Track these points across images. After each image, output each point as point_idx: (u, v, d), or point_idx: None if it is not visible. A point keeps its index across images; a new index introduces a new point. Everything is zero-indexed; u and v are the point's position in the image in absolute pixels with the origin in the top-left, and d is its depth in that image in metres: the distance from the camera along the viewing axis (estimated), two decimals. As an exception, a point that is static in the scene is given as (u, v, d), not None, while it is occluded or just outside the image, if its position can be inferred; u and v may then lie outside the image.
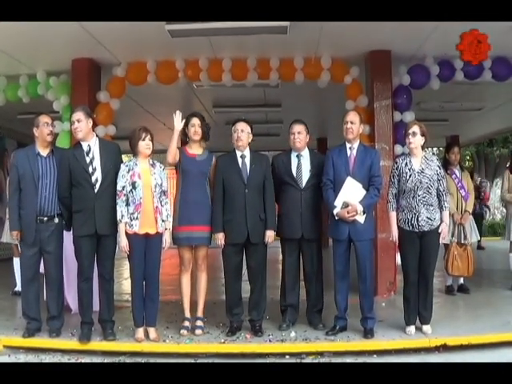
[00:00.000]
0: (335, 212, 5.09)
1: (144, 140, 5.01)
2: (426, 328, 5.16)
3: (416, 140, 5.10)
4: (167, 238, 5.09)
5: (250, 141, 5.31)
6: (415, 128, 5.12)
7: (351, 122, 5.18)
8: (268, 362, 4.71)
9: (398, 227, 5.20)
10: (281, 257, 5.60)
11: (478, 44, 6.38)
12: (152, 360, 4.76)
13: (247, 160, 5.26)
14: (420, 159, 5.12)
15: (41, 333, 5.21)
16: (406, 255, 5.16)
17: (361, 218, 5.07)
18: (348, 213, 5.02)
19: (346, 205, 5.06)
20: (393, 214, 5.22)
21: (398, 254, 5.68)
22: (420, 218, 5.04)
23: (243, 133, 5.25)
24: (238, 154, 5.28)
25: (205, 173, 5.31)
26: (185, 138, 5.41)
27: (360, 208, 5.02)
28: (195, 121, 5.30)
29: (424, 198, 5.06)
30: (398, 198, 5.21)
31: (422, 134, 5.10)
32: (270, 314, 5.58)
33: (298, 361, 4.74)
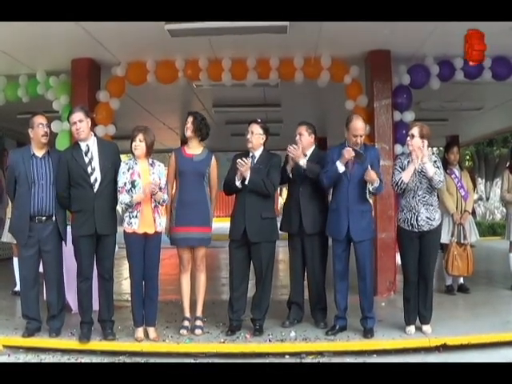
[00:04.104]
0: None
1: (134, 141, 5.01)
2: (426, 328, 5.16)
3: (414, 142, 5.07)
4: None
5: (261, 142, 5.34)
6: (414, 130, 5.09)
7: (360, 136, 5.17)
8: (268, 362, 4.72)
9: (398, 226, 5.21)
10: (286, 256, 5.71)
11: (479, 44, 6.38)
12: (152, 360, 4.76)
13: (255, 161, 5.31)
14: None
15: (41, 332, 5.20)
16: (406, 255, 5.16)
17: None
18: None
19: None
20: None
21: (398, 253, 5.67)
22: (419, 218, 5.04)
23: (253, 134, 5.31)
24: (250, 154, 5.37)
25: (202, 173, 5.31)
26: (184, 138, 5.45)
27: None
28: (189, 118, 5.33)
29: (424, 197, 5.06)
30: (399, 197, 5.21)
31: (422, 137, 5.08)
32: (270, 314, 5.57)
33: (298, 361, 4.74)
